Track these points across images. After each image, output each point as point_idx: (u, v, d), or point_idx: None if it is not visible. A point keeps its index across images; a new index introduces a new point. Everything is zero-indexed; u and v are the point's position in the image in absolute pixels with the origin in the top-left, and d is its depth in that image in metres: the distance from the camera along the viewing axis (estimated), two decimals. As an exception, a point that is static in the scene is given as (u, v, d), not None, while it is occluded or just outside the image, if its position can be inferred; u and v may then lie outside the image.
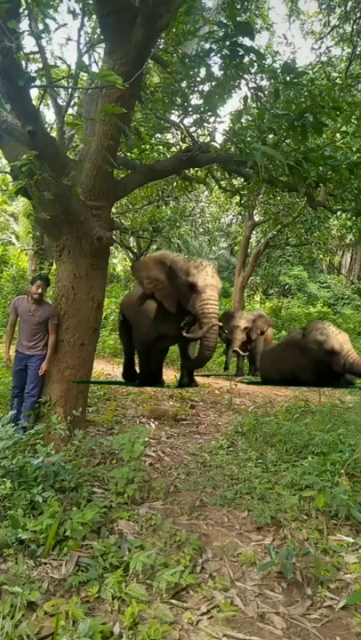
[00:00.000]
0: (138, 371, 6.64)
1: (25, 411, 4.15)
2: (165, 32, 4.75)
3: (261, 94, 5.01)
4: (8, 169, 5.05)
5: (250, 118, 5.30)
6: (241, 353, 9.33)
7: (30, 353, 4.29)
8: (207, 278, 5.01)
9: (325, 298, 19.27)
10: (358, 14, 10.15)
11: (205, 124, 4.85)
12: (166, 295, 5.32)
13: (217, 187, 7.14)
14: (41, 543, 2.54)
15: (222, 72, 4.33)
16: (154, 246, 18.51)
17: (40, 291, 4.28)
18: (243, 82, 4.71)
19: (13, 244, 18.67)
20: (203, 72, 4.83)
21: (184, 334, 5.25)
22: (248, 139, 4.63)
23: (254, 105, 4.97)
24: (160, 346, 6.17)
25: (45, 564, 2.48)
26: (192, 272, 5.07)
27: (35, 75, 2.79)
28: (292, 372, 6.75)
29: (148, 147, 6.09)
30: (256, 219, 14.97)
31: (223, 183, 6.91)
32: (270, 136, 4.62)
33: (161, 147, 6.67)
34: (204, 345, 4.98)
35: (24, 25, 3.08)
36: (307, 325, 7.99)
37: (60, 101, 4.92)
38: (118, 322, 7.47)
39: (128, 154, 5.44)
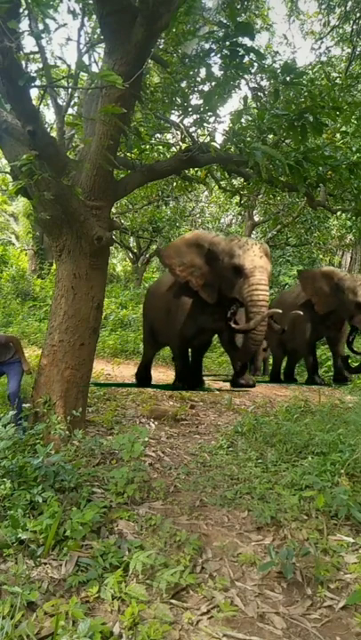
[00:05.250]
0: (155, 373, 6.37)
1: (19, 412, 4.21)
2: (165, 32, 4.75)
3: (261, 94, 5.02)
4: (8, 169, 5.05)
5: (250, 118, 5.31)
6: None
7: (5, 363, 4.71)
8: (255, 259, 4.42)
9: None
10: (358, 14, 10.16)
11: (205, 124, 4.85)
12: (205, 283, 4.66)
13: (217, 187, 7.14)
14: (41, 543, 2.54)
15: (222, 72, 4.33)
16: (154, 246, 18.53)
17: None
18: (243, 82, 4.74)
19: (13, 244, 18.69)
20: (203, 72, 4.84)
21: (232, 326, 4.66)
22: (248, 139, 4.63)
23: (254, 105, 4.98)
24: (198, 341, 5.55)
25: (45, 564, 2.48)
26: (237, 253, 4.46)
27: (35, 75, 2.80)
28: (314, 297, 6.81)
29: (148, 147, 6.09)
30: (256, 219, 14.99)
31: (223, 183, 6.91)
32: (270, 136, 4.63)
33: (161, 147, 6.68)
34: (252, 338, 4.43)
35: (24, 25, 3.08)
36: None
37: (60, 101, 4.92)
38: (143, 318, 7.16)
39: (128, 154, 5.44)
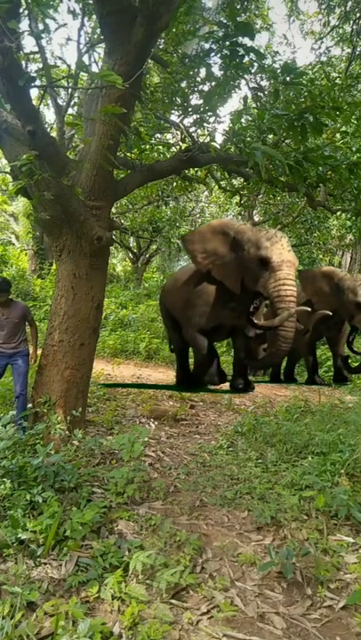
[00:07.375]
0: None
1: (20, 412, 4.18)
2: (165, 32, 4.75)
3: (261, 94, 5.02)
4: (8, 169, 5.05)
5: (250, 118, 5.31)
6: None
7: (12, 351, 4.48)
8: (283, 253, 4.22)
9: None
10: (358, 14, 10.15)
11: (205, 124, 4.85)
12: (227, 273, 4.42)
13: (217, 187, 7.14)
14: (41, 543, 2.54)
15: (222, 72, 4.33)
16: (154, 246, 18.53)
17: (2, 299, 4.40)
18: (243, 82, 4.72)
19: (13, 244, 18.68)
20: (203, 72, 4.84)
21: (255, 322, 4.42)
22: (248, 139, 4.63)
23: (254, 105, 4.98)
24: (213, 339, 5.25)
25: (45, 564, 2.48)
26: (264, 245, 4.25)
27: (35, 75, 2.80)
28: (315, 295, 6.84)
29: (148, 147, 6.08)
30: (256, 219, 14.97)
31: (223, 183, 6.92)
32: (270, 136, 4.62)
33: (161, 147, 6.67)
34: (280, 336, 4.18)
35: (24, 25, 3.08)
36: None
37: (60, 101, 4.92)
38: (162, 316, 6.81)
39: (128, 154, 5.43)
